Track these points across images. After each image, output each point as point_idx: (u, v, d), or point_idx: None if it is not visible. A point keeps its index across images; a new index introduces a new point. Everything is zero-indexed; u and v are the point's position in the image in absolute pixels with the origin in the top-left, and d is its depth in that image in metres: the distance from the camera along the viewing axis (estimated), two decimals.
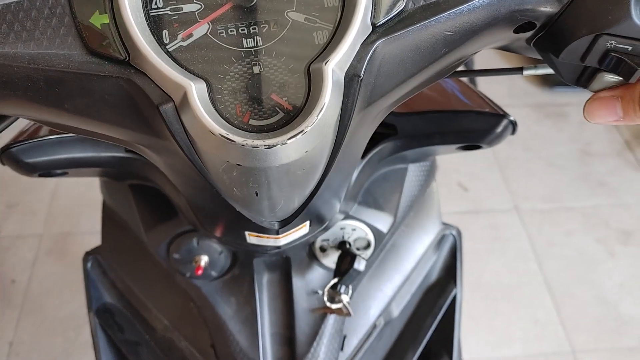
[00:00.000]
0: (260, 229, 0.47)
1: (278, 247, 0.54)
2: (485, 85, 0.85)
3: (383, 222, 0.65)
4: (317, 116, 0.32)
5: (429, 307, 0.75)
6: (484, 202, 2.00)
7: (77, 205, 1.96)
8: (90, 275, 0.75)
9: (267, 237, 0.49)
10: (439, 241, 0.77)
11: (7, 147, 0.55)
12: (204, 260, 0.62)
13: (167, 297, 0.69)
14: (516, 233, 1.92)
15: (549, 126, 2.29)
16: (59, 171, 0.59)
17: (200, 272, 0.61)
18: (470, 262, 1.80)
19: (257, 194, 0.38)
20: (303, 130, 0.32)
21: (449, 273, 0.77)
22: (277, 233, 0.47)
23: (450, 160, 2.10)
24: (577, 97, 2.41)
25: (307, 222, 0.49)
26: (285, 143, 0.32)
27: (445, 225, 0.78)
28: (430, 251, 0.75)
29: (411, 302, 0.75)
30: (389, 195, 0.67)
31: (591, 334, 1.67)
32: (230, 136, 0.32)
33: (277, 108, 0.34)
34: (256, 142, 0.32)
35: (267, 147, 0.32)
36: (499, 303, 1.74)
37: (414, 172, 0.71)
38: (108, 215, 0.74)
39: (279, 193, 0.38)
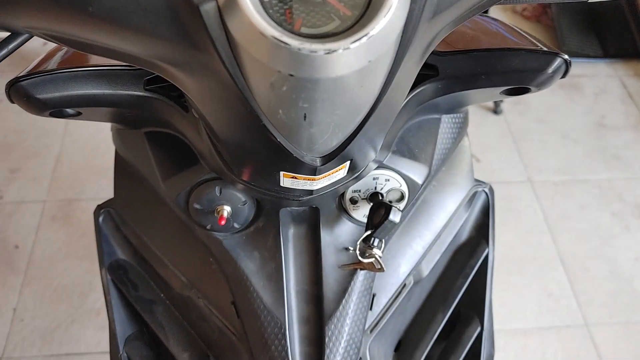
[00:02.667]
0: (297, 168, 0.42)
1: (310, 193, 0.50)
2: None
3: (418, 172, 0.61)
4: (385, 18, 0.28)
5: (459, 267, 0.71)
6: (497, 174, 1.96)
7: (82, 171, 1.92)
8: (102, 230, 0.71)
9: (303, 179, 0.44)
10: (471, 198, 0.72)
11: (17, 80, 0.50)
12: (226, 210, 0.58)
13: (185, 252, 0.65)
14: (529, 205, 1.88)
15: (563, 98, 2.24)
16: (71, 111, 0.54)
17: (223, 222, 0.57)
18: None
19: (305, 116, 0.33)
20: (368, 34, 0.28)
21: (481, 232, 0.73)
22: (315, 173, 0.43)
23: None
24: (592, 68, 2.35)
25: (347, 164, 0.45)
26: (348, 48, 0.28)
27: (478, 182, 0.74)
28: (462, 209, 0.71)
29: (441, 262, 0.71)
30: (424, 145, 0.63)
31: (605, 308, 1.65)
32: (285, 39, 0.27)
33: (332, 14, 0.30)
34: (315, 46, 0.27)
35: (327, 52, 0.28)
36: (512, 276, 1.71)
37: (447, 123, 0.67)
38: (121, 167, 0.70)
39: (330, 116, 0.34)
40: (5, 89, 0.51)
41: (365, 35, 0.28)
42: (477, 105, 2.18)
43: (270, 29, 0.27)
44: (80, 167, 1.94)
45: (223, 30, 0.29)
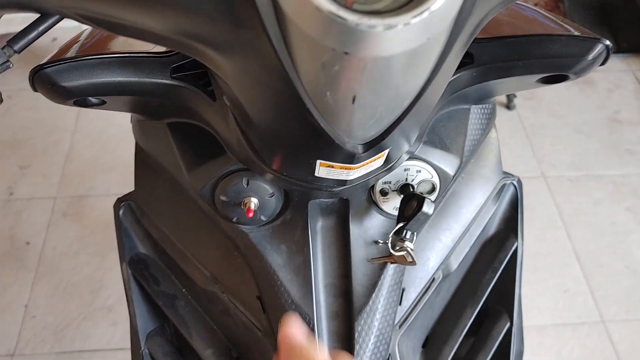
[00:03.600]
0: (336, 156, 0.41)
1: (343, 184, 0.48)
2: None
3: (450, 163, 0.59)
4: None
5: (487, 261, 0.69)
6: (510, 169, 1.91)
7: (92, 167, 1.91)
8: (123, 223, 0.69)
9: (340, 168, 0.43)
10: (499, 191, 0.71)
11: (41, 67, 0.49)
12: (253, 202, 0.57)
13: (209, 246, 0.64)
14: (543, 201, 1.86)
15: (577, 92, 2.21)
16: (95, 99, 0.53)
17: (250, 214, 0.55)
18: None
19: (354, 99, 0.31)
20: (429, 8, 0.26)
21: (509, 225, 0.71)
22: (353, 162, 0.42)
23: None
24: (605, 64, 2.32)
25: (385, 153, 0.44)
26: (409, 23, 0.26)
27: (506, 174, 0.72)
28: (490, 201, 0.69)
29: (469, 256, 0.69)
30: (455, 135, 0.61)
31: (621, 304, 1.63)
32: (342, 13, 0.26)
33: None
34: (374, 22, 0.26)
35: (386, 27, 0.26)
36: (527, 272, 1.69)
37: (476, 114, 0.65)
38: (142, 159, 0.68)
39: (379, 99, 0.32)
40: (29, 77, 0.50)
41: (427, 9, 0.26)
42: None
43: (327, 3, 0.26)
44: (90, 163, 1.93)
45: (272, 5, 0.28)
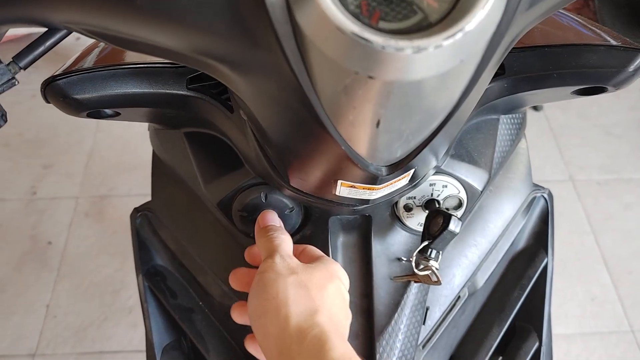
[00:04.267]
0: (358, 177, 0.38)
1: (366, 202, 0.46)
2: None
3: (477, 178, 0.56)
4: (483, 9, 0.24)
5: (516, 277, 0.66)
6: (537, 172, 1.89)
7: (114, 167, 1.91)
8: (139, 234, 0.68)
9: (363, 188, 0.40)
10: (529, 204, 0.68)
11: (53, 79, 0.47)
12: None
13: (226, 260, 0.62)
14: (571, 205, 1.81)
15: (606, 93, 2.15)
16: (109, 111, 0.51)
17: None
18: None
19: (378, 123, 0.29)
20: (464, 28, 0.24)
21: (539, 240, 0.68)
22: (376, 183, 0.39)
23: None
24: None
25: (410, 173, 0.41)
26: (440, 46, 0.23)
27: (536, 186, 0.69)
28: (520, 215, 0.66)
29: (496, 272, 0.66)
30: (483, 148, 0.58)
31: None
32: (367, 35, 0.23)
33: (415, 6, 0.25)
34: (401, 44, 0.23)
35: (415, 50, 0.23)
36: (553, 279, 1.64)
37: (505, 124, 0.62)
38: (159, 168, 0.67)
39: (406, 123, 0.30)
40: (41, 89, 0.48)
41: (461, 30, 0.24)
42: None
43: (349, 24, 0.23)
44: (112, 163, 1.93)
45: (290, 24, 0.26)
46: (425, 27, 0.25)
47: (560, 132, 2.02)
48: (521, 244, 0.68)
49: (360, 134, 0.31)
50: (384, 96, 0.27)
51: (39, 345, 1.51)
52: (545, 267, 0.66)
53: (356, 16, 0.25)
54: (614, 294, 1.62)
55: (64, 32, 0.37)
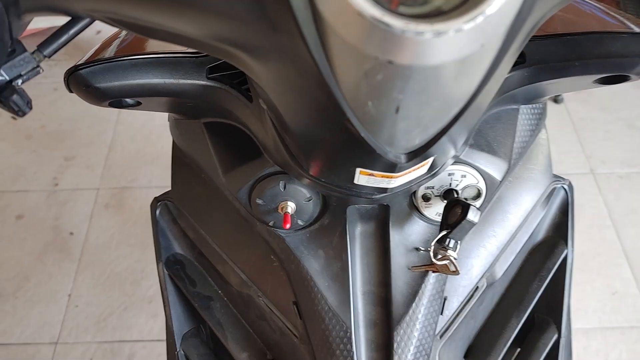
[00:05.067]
0: (377, 165, 0.38)
1: (384, 191, 0.46)
2: None
3: (497, 168, 0.56)
4: None
5: (535, 269, 0.66)
6: (558, 165, 1.87)
7: (134, 159, 1.93)
8: (160, 223, 0.69)
9: (382, 176, 0.41)
10: (549, 195, 0.67)
11: (76, 68, 0.48)
12: (290, 206, 0.55)
13: (245, 249, 0.62)
14: (592, 199, 1.79)
15: (629, 85, 2.10)
16: (130, 100, 0.52)
17: (287, 220, 0.54)
18: None
19: (398, 109, 0.29)
20: (485, 11, 0.23)
21: (559, 231, 0.67)
22: (395, 170, 0.39)
23: None
24: None
25: (429, 161, 0.41)
26: (461, 29, 0.23)
27: (556, 177, 0.68)
28: (539, 206, 0.66)
29: (515, 263, 0.66)
30: (502, 138, 0.58)
31: None
32: (387, 19, 0.23)
33: None
34: (422, 28, 0.23)
35: (436, 33, 0.23)
36: (574, 272, 1.62)
37: (525, 114, 0.61)
38: (179, 158, 0.67)
39: (425, 109, 0.30)
40: (64, 78, 0.49)
41: (482, 13, 0.23)
42: None
43: (370, 8, 0.23)
44: (133, 155, 1.95)
45: (310, 9, 0.26)
46: (445, 12, 0.25)
47: (582, 125, 1.99)
48: (540, 235, 0.68)
49: (379, 121, 0.31)
50: (403, 82, 0.27)
51: (61, 333, 1.53)
52: (565, 259, 0.66)
53: (376, 1, 0.25)
54: (635, 288, 1.60)
55: (86, 21, 0.38)
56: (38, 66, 0.35)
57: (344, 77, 0.28)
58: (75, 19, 0.37)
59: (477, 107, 0.35)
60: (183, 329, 0.67)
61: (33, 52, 0.36)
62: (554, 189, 0.67)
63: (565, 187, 0.68)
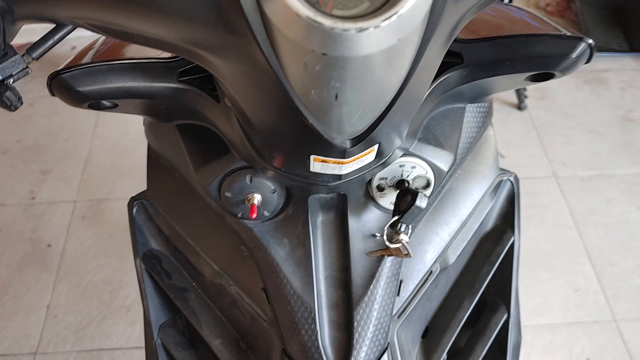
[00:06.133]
0: (328, 151, 0.44)
1: (339, 178, 0.51)
2: None
3: (444, 160, 0.62)
4: None
5: (485, 254, 0.71)
6: (522, 169, 1.95)
7: (111, 172, 1.96)
8: (136, 220, 0.73)
9: (333, 162, 0.46)
10: (496, 187, 0.73)
11: (58, 73, 0.52)
12: (256, 198, 0.60)
13: (216, 241, 0.67)
14: (555, 200, 1.87)
15: (589, 92, 2.22)
16: (108, 102, 0.57)
17: (254, 211, 0.59)
18: None
19: (337, 96, 0.35)
20: (397, 12, 0.29)
21: (506, 220, 0.73)
22: (344, 156, 0.45)
23: None
24: (617, 62, 2.33)
25: (375, 148, 0.46)
26: (379, 26, 0.29)
27: (503, 170, 0.74)
28: (487, 197, 0.72)
29: (467, 249, 0.71)
30: (449, 133, 0.64)
31: (633, 303, 1.63)
32: (319, 19, 0.29)
33: None
34: (347, 25, 0.29)
35: (358, 30, 0.29)
36: (538, 271, 1.70)
37: (472, 112, 0.67)
38: (153, 159, 0.72)
39: (360, 96, 0.35)
40: (47, 82, 0.54)
41: (395, 13, 0.29)
42: (501, 101, 2.17)
43: (305, 10, 0.29)
44: (109, 167, 1.98)
45: (259, 13, 0.31)
46: (370, 13, 0.31)
47: (544, 130, 2.08)
48: (490, 224, 0.73)
49: (323, 108, 0.36)
50: (338, 71, 0.32)
51: (40, 344, 1.55)
52: (512, 245, 0.72)
53: (314, 5, 0.31)
54: (596, 285, 1.67)
55: (69, 27, 0.42)
56: (27, 67, 0.40)
57: (290, 70, 0.34)
58: (59, 26, 0.42)
59: (410, 96, 0.40)
60: (160, 319, 0.71)
61: (23, 55, 0.40)
62: (501, 181, 0.73)
63: (512, 179, 0.74)
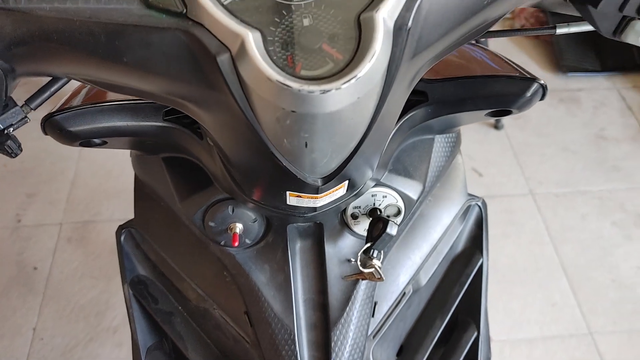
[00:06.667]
0: (302, 188, 0.48)
1: (314, 210, 0.55)
2: None
3: (413, 189, 0.66)
4: (370, 62, 0.34)
5: (455, 276, 0.76)
6: (499, 187, 2.01)
7: (96, 194, 1.99)
8: (124, 248, 0.77)
9: (307, 197, 0.50)
10: (465, 212, 0.78)
11: (51, 115, 0.56)
12: (238, 227, 0.64)
13: (201, 267, 0.71)
14: (531, 217, 1.93)
15: (563, 111, 2.29)
16: (98, 140, 0.60)
17: (236, 240, 0.63)
18: None
19: (306, 144, 0.39)
20: (356, 76, 0.34)
21: (475, 243, 0.78)
22: (317, 192, 0.49)
23: (465, 147, 2.11)
24: (590, 82, 2.41)
25: (345, 183, 0.51)
26: (340, 88, 0.34)
27: (471, 196, 0.79)
28: (457, 221, 0.76)
29: (438, 271, 0.76)
30: (418, 163, 0.68)
31: (608, 316, 1.68)
32: (287, 82, 0.33)
33: (327, 58, 0.35)
34: (312, 88, 0.33)
35: (322, 92, 0.33)
36: (516, 286, 1.75)
37: (440, 143, 0.72)
38: (140, 190, 0.76)
39: (328, 144, 0.40)
40: (41, 123, 0.58)
41: (354, 77, 0.34)
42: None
43: (275, 74, 0.33)
44: (95, 190, 2.00)
45: (236, 74, 0.35)
46: (334, 74, 0.35)
47: (520, 149, 2.14)
48: (460, 247, 0.78)
49: (295, 153, 0.41)
50: (305, 124, 0.36)
51: None
52: (481, 267, 0.76)
53: (283, 67, 0.35)
54: (572, 299, 1.72)
55: (64, 80, 0.46)
56: (26, 117, 0.44)
57: (264, 122, 0.38)
58: (55, 79, 0.46)
59: (374, 140, 0.45)
60: (147, 342, 0.75)
61: (22, 106, 0.44)
62: (470, 206, 0.78)
63: (479, 204, 0.79)
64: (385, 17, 0.34)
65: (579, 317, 1.68)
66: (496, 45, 2.51)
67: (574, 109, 2.30)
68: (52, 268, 1.78)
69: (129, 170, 0.77)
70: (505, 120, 2.20)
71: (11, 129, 0.43)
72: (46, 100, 0.47)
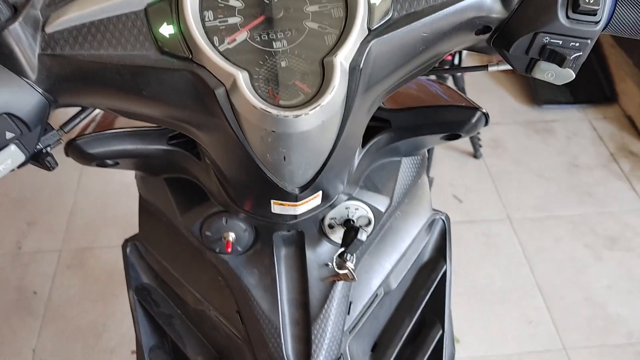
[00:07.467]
0: (283, 196, 0.58)
1: (295, 217, 0.66)
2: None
3: (381, 202, 0.77)
4: (330, 94, 0.45)
5: (422, 281, 0.86)
6: (478, 213, 2.12)
7: (94, 222, 2.08)
8: (129, 259, 0.86)
9: (288, 205, 0.61)
10: (430, 225, 0.88)
11: (73, 140, 0.68)
12: (231, 236, 0.74)
13: (198, 273, 0.81)
14: (508, 240, 2.03)
15: (538, 141, 2.42)
16: (111, 161, 0.71)
17: (229, 246, 0.73)
18: (465, 268, 1.91)
19: (285, 158, 0.50)
20: (320, 104, 0.45)
21: (440, 252, 0.88)
22: (296, 200, 0.59)
23: (446, 174, 2.23)
24: (563, 113, 2.55)
25: (320, 193, 0.61)
26: (308, 114, 0.45)
27: (436, 211, 0.90)
28: (423, 233, 0.87)
29: (407, 277, 0.86)
30: (386, 181, 0.79)
31: (582, 332, 1.78)
32: (269, 110, 0.45)
33: (299, 92, 0.47)
34: (287, 113, 0.45)
35: (295, 116, 0.45)
36: (494, 305, 1.84)
37: (406, 164, 0.83)
38: (144, 207, 0.86)
39: (302, 157, 0.51)
40: (65, 147, 0.69)
41: (319, 105, 0.45)
42: (459, 150, 2.36)
43: (260, 104, 0.44)
44: (93, 218, 2.10)
45: (229, 104, 0.47)
46: (304, 103, 0.46)
47: (498, 177, 2.26)
48: (426, 256, 0.88)
49: (276, 166, 0.52)
50: (283, 141, 0.47)
51: None
52: (445, 273, 0.87)
53: (266, 99, 0.46)
54: (548, 317, 1.82)
55: (92, 109, 0.57)
56: (60, 138, 0.55)
57: (252, 140, 0.49)
58: (84, 108, 0.57)
59: (341, 157, 0.56)
60: (150, 342, 0.84)
61: (57, 130, 0.55)
62: (435, 219, 0.89)
63: (443, 218, 0.89)
64: (342, 61, 0.46)
65: (554, 333, 1.78)
66: (477, 80, 2.65)
67: (549, 139, 2.43)
68: (51, 292, 1.86)
69: (125, 200, 0.88)
70: (483, 149, 2.33)
71: (49, 149, 0.54)
72: (76, 125, 0.58)
